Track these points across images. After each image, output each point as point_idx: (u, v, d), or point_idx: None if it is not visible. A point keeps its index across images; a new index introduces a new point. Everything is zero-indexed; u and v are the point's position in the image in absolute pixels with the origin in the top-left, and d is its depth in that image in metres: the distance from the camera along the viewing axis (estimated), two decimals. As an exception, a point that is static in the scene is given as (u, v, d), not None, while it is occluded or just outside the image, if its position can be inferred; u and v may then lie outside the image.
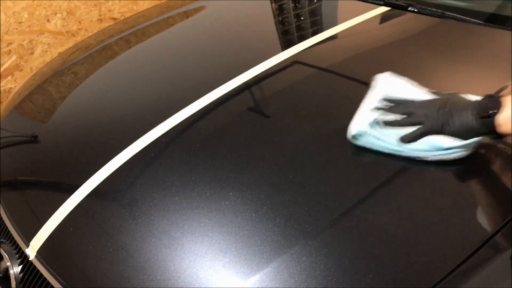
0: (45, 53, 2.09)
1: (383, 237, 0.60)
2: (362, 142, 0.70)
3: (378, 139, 0.68)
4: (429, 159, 0.66)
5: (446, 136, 0.64)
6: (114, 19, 2.27)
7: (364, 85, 0.87)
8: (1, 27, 1.92)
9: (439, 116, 0.64)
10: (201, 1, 1.41)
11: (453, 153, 0.64)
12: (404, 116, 0.68)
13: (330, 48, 1.02)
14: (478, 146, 0.66)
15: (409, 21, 1.07)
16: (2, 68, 1.98)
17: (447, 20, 1.02)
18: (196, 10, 1.38)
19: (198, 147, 0.78)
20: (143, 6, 2.30)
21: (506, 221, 0.61)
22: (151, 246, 0.65)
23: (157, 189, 0.72)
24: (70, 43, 2.14)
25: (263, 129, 0.81)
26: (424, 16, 1.06)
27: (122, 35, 1.30)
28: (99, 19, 2.23)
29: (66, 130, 0.94)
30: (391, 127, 0.67)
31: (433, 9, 1.05)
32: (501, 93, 0.63)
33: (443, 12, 1.03)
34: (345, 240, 0.60)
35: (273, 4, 1.30)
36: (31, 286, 0.71)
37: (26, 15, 1.98)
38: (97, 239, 0.68)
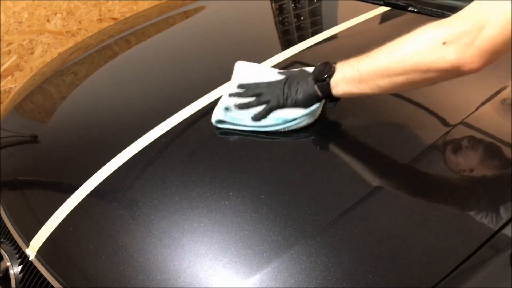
0: (45, 53, 2.09)
1: (383, 237, 0.60)
2: (223, 126, 0.78)
3: (234, 124, 0.77)
4: (281, 130, 0.74)
5: (291, 108, 0.72)
6: (114, 19, 2.27)
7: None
8: (1, 27, 1.92)
9: (284, 91, 0.72)
10: (201, 1, 1.41)
11: (299, 122, 0.72)
12: (254, 98, 0.76)
13: (330, 48, 1.02)
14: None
15: (409, 21, 1.07)
16: (2, 68, 1.98)
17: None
18: (196, 10, 1.38)
19: (198, 147, 0.78)
20: (143, 6, 2.30)
21: (506, 221, 0.61)
22: (151, 246, 0.65)
23: (157, 189, 0.72)
24: (70, 43, 2.14)
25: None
26: (424, 16, 1.06)
27: (122, 35, 1.30)
28: (99, 19, 2.23)
29: (66, 130, 0.94)
30: (244, 109, 0.76)
31: (433, 9, 1.05)
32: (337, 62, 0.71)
33: (443, 12, 1.03)
34: (345, 240, 0.60)
35: (273, 4, 1.30)
36: (31, 286, 0.71)
37: (26, 15, 1.98)
38: (97, 239, 0.68)
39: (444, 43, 0.56)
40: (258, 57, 0.97)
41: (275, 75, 0.78)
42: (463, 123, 0.74)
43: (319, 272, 0.57)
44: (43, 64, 1.77)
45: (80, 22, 2.17)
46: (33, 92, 1.13)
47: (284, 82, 0.74)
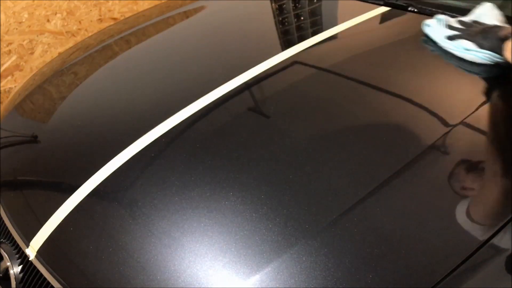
0: (45, 53, 2.09)
1: (383, 237, 0.60)
2: (425, 30, 0.98)
3: (434, 31, 0.96)
4: (455, 53, 0.91)
5: (472, 43, 0.88)
6: (114, 19, 2.27)
7: (364, 85, 0.87)
8: (1, 27, 1.92)
9: (478, 34, 0.88)
10: (201, 1, 1.41)
11: (471, 54, 0.88)
12: (460, 27, 0.94)
13: (330, 48, 1.02)
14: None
15: (409, 21, 1.07)
16: (2, 68, 1.98)
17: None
18: (196, 10, 1.38)
19: (198, 147, 0.78)
20: (143, 6, 2.30)
21: (506, 221, 0.61)
22: (151, 246, 0.65)
23: (157, 189, 0.72)
24: (70, 43, 2.15)
25: (263, 129, 0.81)
26: (424, 16, 1.06)
27: (122, 35, 1.30)
28: (99, 19, 2.23)
29: (66, 130, 0.94)
30: (447, 28, 0.94)
31: (433, 9, 1.05)
32: None
33: (443, 12, 1.03)
34: (345, 240, 0.60)
35: (273, 4, 1.30)
36: (31, 286, 0.71)
37: (26, 15, 1.98)
38: (97, 239, 0.68)
39: None
40: (258, 57, 0.97)
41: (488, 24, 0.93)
42: (463, 123, 0.74)
43: (319, 272, 0.57)
44: (43, 64, 1.77)
45: (80, 22, 2.17)
46: (33, 92, 1.13)
47: (484, 28, 0.89)
